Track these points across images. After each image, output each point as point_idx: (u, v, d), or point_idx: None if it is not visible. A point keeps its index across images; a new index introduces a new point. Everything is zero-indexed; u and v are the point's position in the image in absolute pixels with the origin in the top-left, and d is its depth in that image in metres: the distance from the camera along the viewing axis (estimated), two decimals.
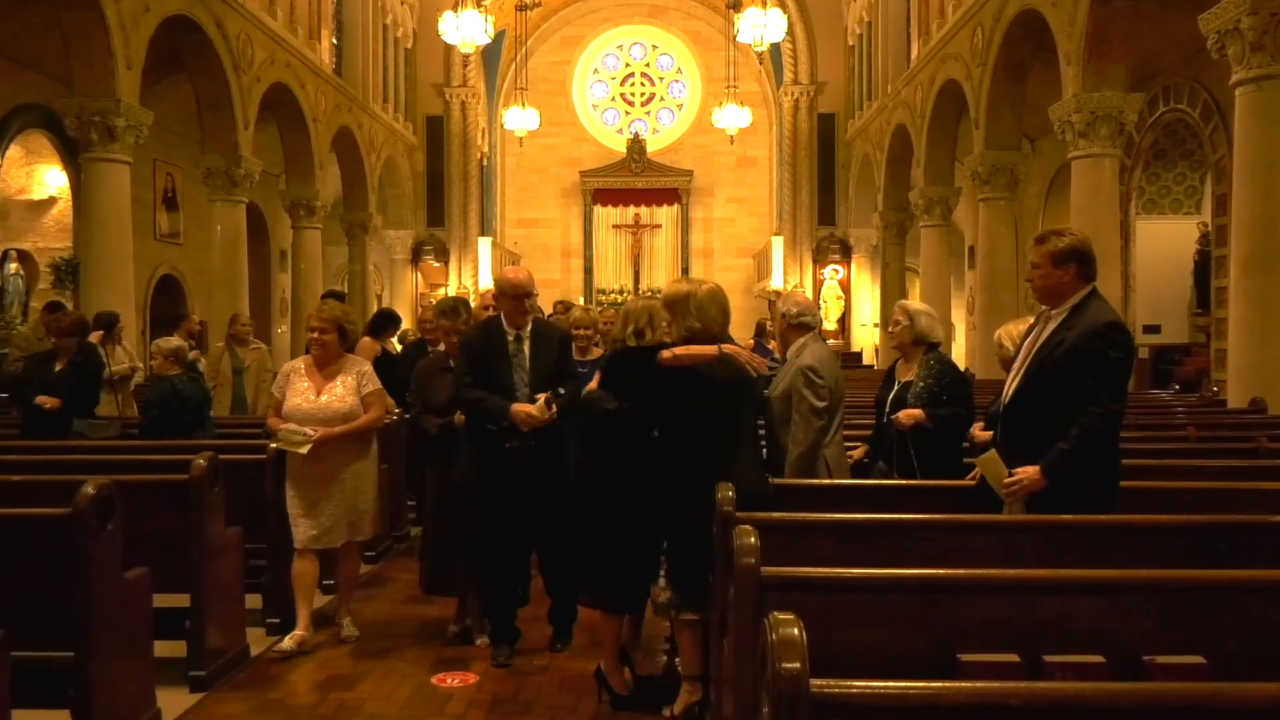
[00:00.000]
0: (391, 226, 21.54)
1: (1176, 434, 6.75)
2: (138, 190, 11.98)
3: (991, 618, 2.64)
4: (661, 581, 4.03)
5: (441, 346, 5.75)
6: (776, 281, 21.81)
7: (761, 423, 4.50)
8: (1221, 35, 8.25)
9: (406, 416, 6.93)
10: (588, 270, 25.90)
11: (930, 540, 3.35)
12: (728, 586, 3.08)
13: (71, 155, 12.53)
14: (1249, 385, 8.13)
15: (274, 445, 5.04)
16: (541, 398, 4.69)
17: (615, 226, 26.08)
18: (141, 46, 10.78)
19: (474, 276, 21.99)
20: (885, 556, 3.22)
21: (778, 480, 4.21)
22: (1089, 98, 10.30)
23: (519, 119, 21.11)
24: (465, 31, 15.11)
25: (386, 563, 7.10)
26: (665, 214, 25.97)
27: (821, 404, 4.45)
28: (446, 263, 22.33)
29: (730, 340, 4.01)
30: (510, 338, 4.89)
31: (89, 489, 3.71)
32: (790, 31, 20.00)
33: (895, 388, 4.81)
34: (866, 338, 21.64)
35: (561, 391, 4.77)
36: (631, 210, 25.88)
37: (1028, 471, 3.48)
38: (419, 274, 22.20)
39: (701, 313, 3.89)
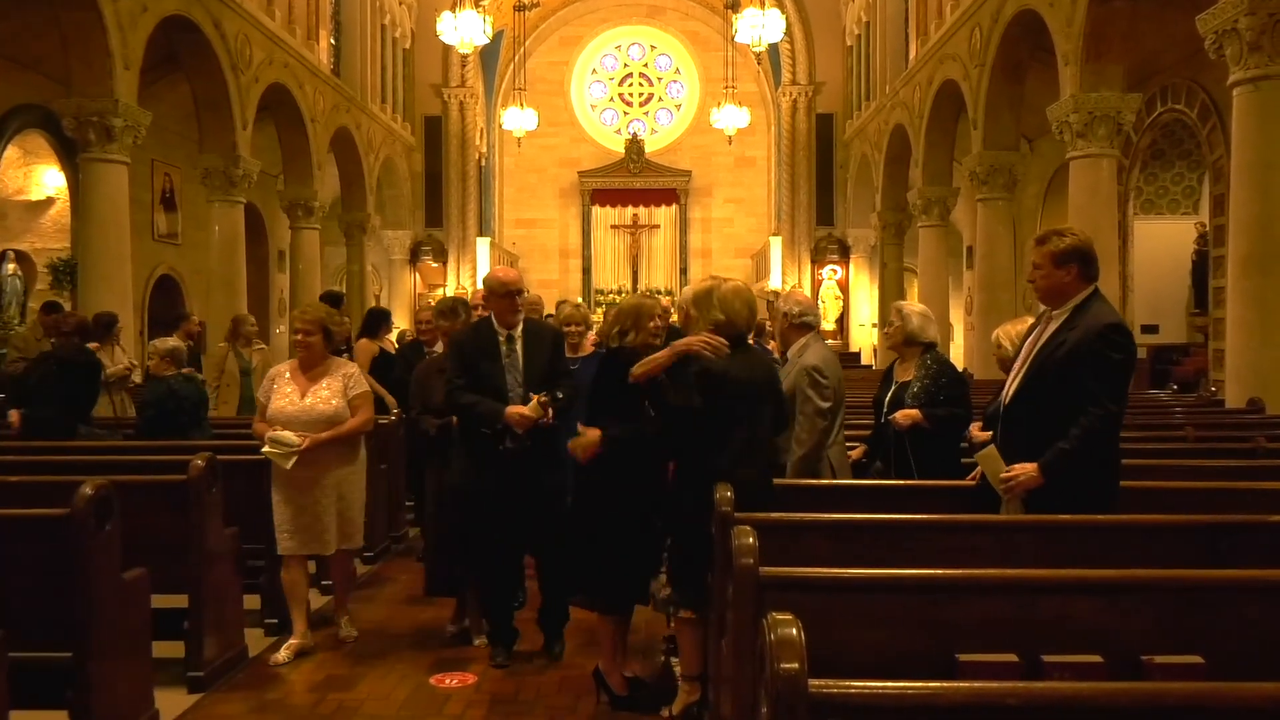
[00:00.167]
0: (390, 227, 21.54)
1: (1175, 434, 6.75)
2: (135, 190, 11.97)
3: (990, 618, 2.64)
4: (662, 578, 4.03)
5: (440, 347, 5.75)
6: (775, 282, 21.81)
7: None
8: (1219, 35, 8.25)
9: (405, 417, 6.93)
10: (586, 271, 25.91)
11: (929, 540, 3.35)
12: (726, 586, 3.08)
13: (69, 155, 12.52)
14: (1247, 385, 8.14)
15: (264, 451, 4.91)
16: (536, 399, 4.65)
17: (613, 227, 26.10)
18: (139, 47, 10.77)
19: (472, 277, 21.98)
20: (884, 556, 3.22)
21: (780, 481, 4.21)
22: (1087, 98, 10.31)
23: (517, 119, 21.11)
24: (463, 32, 15.12)
25: (385, 563, 7.10)
26: (663, 214, 25.98)
27: (826, 404, 4.47)
28: (445, 263, 22.34)
29: (749, 335, 4.03)
30: (501, 338, 4.83)
31: (87, 489, 3.71)
32: (788, 32, 20.02)
33: (893, 388, 4.81)
34: (865, 338, 21.65)
35: (560, 396, 4.72)
36: (630, 210, 25.90)
37: (1025, 468, 3.48)
38: (417, 274, 22.20)
39: (725, 305, 3.87)
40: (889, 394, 4.79)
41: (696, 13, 25.80)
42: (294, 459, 4.79)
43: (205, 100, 13.08)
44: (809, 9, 21.70)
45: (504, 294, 4.84)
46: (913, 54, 16.87)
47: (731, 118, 21.75)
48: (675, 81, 27.14)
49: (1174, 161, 14.77)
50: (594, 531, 4.25)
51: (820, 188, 22.24)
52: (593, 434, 4.09)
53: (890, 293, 18.43)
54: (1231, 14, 8.04)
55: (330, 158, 17.63)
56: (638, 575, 4.23)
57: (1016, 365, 3.71)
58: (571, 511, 4.50)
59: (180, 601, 4.52)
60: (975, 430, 4.60)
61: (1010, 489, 3.54)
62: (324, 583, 5.94)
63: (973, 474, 3.98)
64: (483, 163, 23.65)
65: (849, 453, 4.95)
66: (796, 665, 1.91)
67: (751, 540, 2.80)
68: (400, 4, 21.06)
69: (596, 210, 26.00)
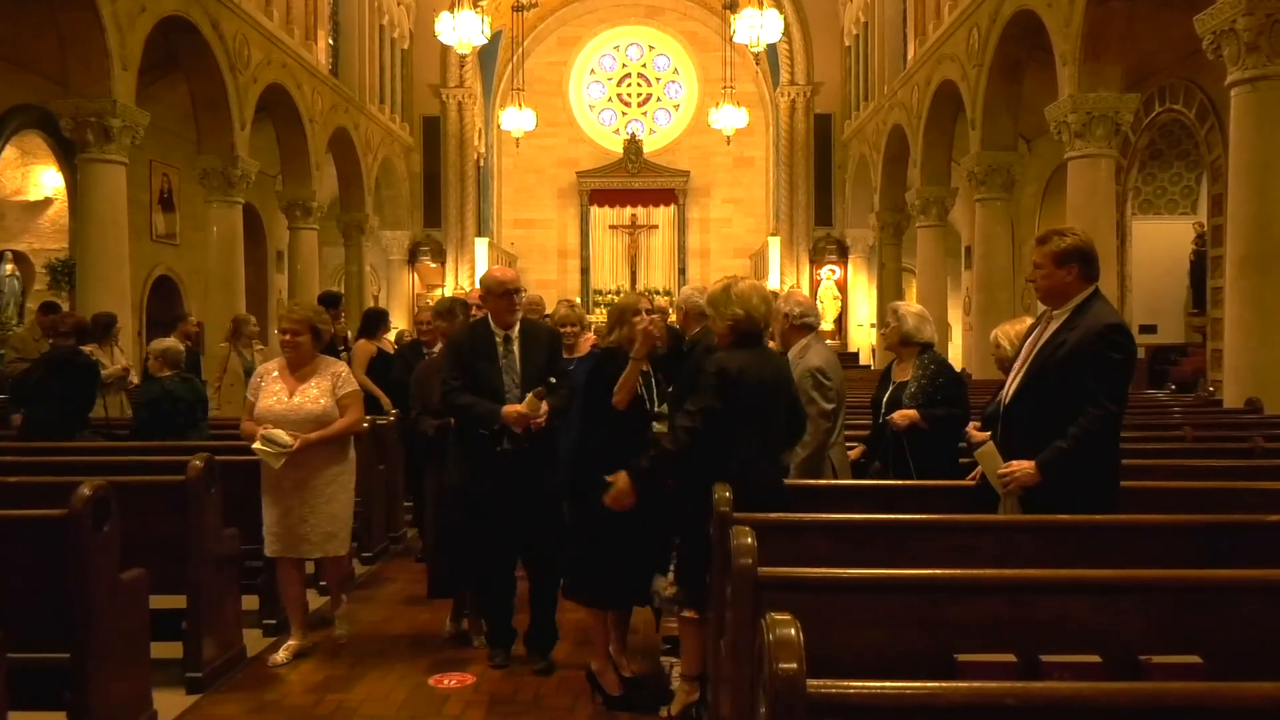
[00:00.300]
0: (388, 227, 21.53)
1: (1173, 434, 6.76)
2: (134, 191, 11.95)
3: (989, 618, 2.64)
4: (670, 576, 4.02)
5: (439, 347, 5.74)
6: (773, 282, 21.82)
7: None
8: (1217, 36, 8.26)
9: (403, 417, 6.91)
10: (584, 271, 25.90)
11: (928, 540, 3.35)
12: (725, 586, 3.08)
13: (67, 156, 12.51)
14: (1245, 385, 8.14)
15: (255, 448, 4.76)
16: (530, 395, 4.60)
17: (612, 227, 26.09)
18: (137, 47, 10.76)
19: (471, 277, 21.96)
20: (883, 556, 3.22)
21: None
22: (1085, 98, 10.31)
23: (516, 120, 21.11)
24: (462, 32, 15.12)
25: (384, 564, 7.10)
26: (662, 214, 25.98)
27: (830, 406, 4.48)
28: (443, 263, 22.33)
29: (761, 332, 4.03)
30: (499, 339, 4.79)
31: (85, 490, 3.70)
32: (787, 32, 20.02)
33: (890, 388, 4.81)
34: (863, 338, 21.66)
35: (553, 380, 4.65)
36: (628, 211, 25.89)
37: (1022, 465, 3.49)
38: (415, 275, 22.19)
39: (743, 301, 3.86)
40: (887, 394, 4.79)
41: (695, 13, 25.81)
42: (282, 460, 4.72)
43: (203, 100, 13.07)
44: (807, 9, 21.71)
45: (501, 293, 4.79)
46: (911, 54, 16.87)
47: (730, 118, 21.76)
48: (674, 82, 27.15)
49: (1172, 162, 14.78)
50: (594, 531, 4.24)
51: (818, 188, 22.24)
52: (621, 479, 3.96)
53: (888, 293, 18.45)
54: (1229, 14, 8.04)
55: (328, 158, 17.62)
56: (636, 574, 4.24)
57: (1017, 365, 3.71)
58: (570, 510, 4.49)
59: (179, 602, 4.52)
60: (973, 430, 4.60)
61: (1007, 486, 3.55)
62: (321, 583, 5.93)
63: (973, 474, 3.99)
64: (481, 163, 23.65)
65: (848, 453, 4.96)
66: (795, 665, 1.91)
67: (750, 540, 2.80)
68: (399, 4, 21.05)
69: (595, 210, 26.00)
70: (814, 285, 21.92)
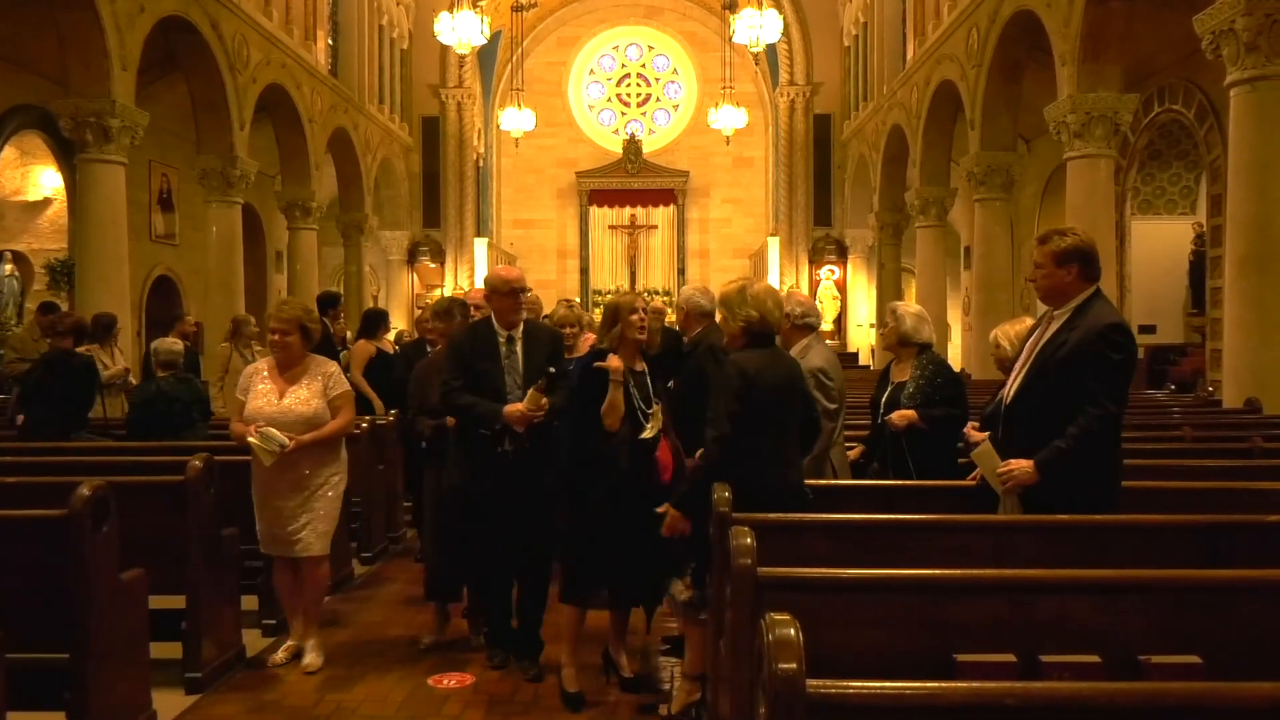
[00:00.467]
0: (387, 227, 21.52)
1: (1172, 434, 6.76)
2: (133, 191, 11.96)
3: (988, 618, 2.64)
4: (687, 579, 4.02)
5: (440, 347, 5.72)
6: (773, 282, 21.83)
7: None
8: (1216, 36, 8.26)
9: (403, 417, 6.91)
10: (584, 271, 25.90)
11: (928, 540, 3.35)
12: (725, 586, 3.08)
13: (67, 156, 12.52)
14: (1244, 385, 8.15)
15: (250, 441, 4.66)
16: (531, 390, 4.54)
17: (611, 227, 26.09)
18: (137, 47, 10.76)
19: (470, 277, 21.96)
20: (883, 557, 3.22)
21: None
22: (1084, 98, 10.32)
23: (515, 120, 21.10)
24: (461, 32, 15.12)
25: (383, 564, 7.10)
26: (661, 215, 25.98)
27: (833, 406, 4.48)
28: (442, 264, 22.32)
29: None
30: (502, 339, 4.73)
31: (85, 490, 3.70)
32: (786, 32, 20.02)
33: (889, 389, 4.81)
34: (862, 338, 21.66)
35: (552, 370, 4.57)
36: (628, 211, 25.89)
37: (1021, 464, 3.49)
38: (415, 275, 22.19)
39: (758, 303, 3.86)
40: (885, 395, 4.79)
41: (694, 13, 25.81)
42: (273, 459, 4.64)
43: (203, 101, 13.07)
44: (806, 10, 21.71)
45: (507, 292, 4.72)
46: (910, 54, 16.87)
47: (729, 118, 21.76)
48: (673, 82, 27.15)
49: (1171, 162, 14.80)
50: (592, 530, 4.24)
51: (818, 188, 22.25)
52: (669, 510, 3.91)
53: (888, 293, 18.45)
54: (1228, 14, 8.05)
55: (328, 158, 17.62)
56: (636, 574, 4.24)
57: (1018, 365, 3.71)
58: (569, 510, 4.46)
59: (178, 602, 4.51)
60: (972, 431, 4.60)
61: (1006, 485, 3.55)
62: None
63: (973, 474, 3.99)
64: (480, 163, 23.64)
65: (847, 453, 4.96)
66: (794, 665, 1.91)
67: (749, 540, 2.80)
68: (398, 4, 21.04)
69: (594, 211, 25.99)
70: (813, 285, 21.93)
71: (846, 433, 5.14)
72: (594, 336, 5.89)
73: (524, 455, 4.62)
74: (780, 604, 2.30)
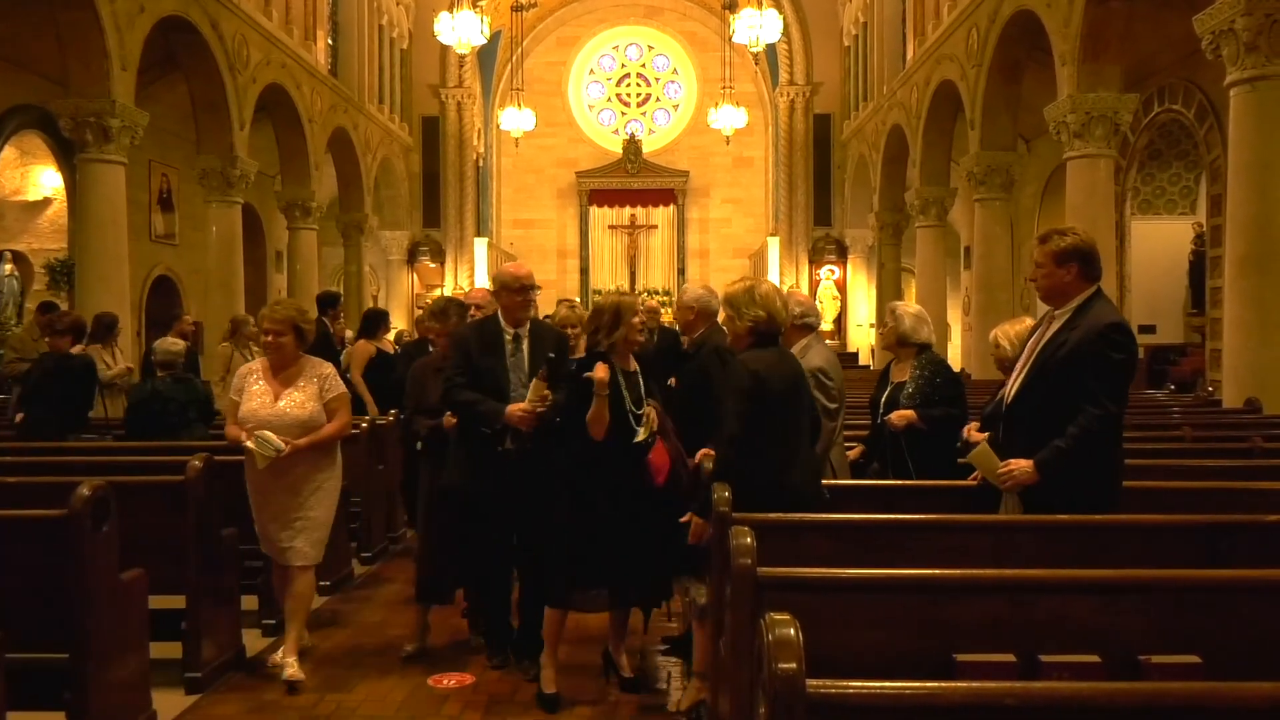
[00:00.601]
0: (387, 227, 21.52)
1: (1172, 434, 6.76)
2: (133, 191, 11.96)
3: (988, 618, 2.64)
4: (708, 580, 4.02)
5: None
6: (773, 282, 21.81)
7: None
8: (1216, 36, 8.26)
9: (401, 417, 6.90)
10: (584, 271, 25.91)
11: (928, 540, 3.35)
12: (725, 586, 3.08)
13: (66, 156, 12.52)
14: (1244, 385, 8.15)
15: (247, 444, 4.57)
16: (534, 382, 4.46)
17: (611, 227, 26.10)
18: (136, 47, 10.76)
19: (470, 277, 21.97)
20: (883, 557, 3.22)
21: None
22: (1084, 98, 10.32)
23: (515, 120, 21.11)
24: (461, 32, 15.13)
25: (383, 564, 7.10)
26: (661, 215, 25.99)
27: (833, 405, 4.49)
28: (442, 263, 22.32)
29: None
30: (508, 336, 4.69)
31: (84, 490, 3.70)
32: (786, 32, 20.02)
33: (889, 389, 4.81)
34: (862, 338, 21.67)
35: (552, 355, 4.51)
36: (628, 211, 25.90)
37: (1020, 463, 3.49)
38: (415, 275, 22.19)
39: (766, 303, 3.86)
40: (885, 394, 4.79)
41: (694, 13, 25.80)
42: (267, 462, 4.53)
43: (203, 101, 13.07)
44: (806, 9, 21.71)
45: (517, 289, 4.67)
46: (910, 54, 16.87)
47: (729, 118, 21.76)
48: (673, 82, 27.15)
49: (1171, 162, 14.80)
50: (592, 530, 4.23)
51: (818, 188, 22.25)
52: (692, 519, 3.88)
53: (888, 293, 18.45)
54: (1228, 14, 8.04)
55: (328, 158, 17.62)
56: (636, 573, 4.24)
57: (1019, 365, 3.71)
58: (568, 510, 4.44)
59: (178, 602, 4.51)
60: (973, 432, 4.60)
61: (1006, 485, 3.55)
62: (322, 583, 5.93)
63: (974, 474, 3.99)
64: (480, 163, 23.65)
65: (847, 453, 4.96)
66: (794, 665, 1.91)
67: (749, 540, 2.80)
68: (398, 4, 21.04)
69: (594, 210, 26.00)
70: (813, 285, 21.93)
71: (846, 433, 5.14)
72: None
73: (525, 455, 4.57)
74: (780, 604, 2.30)
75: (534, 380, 4.48)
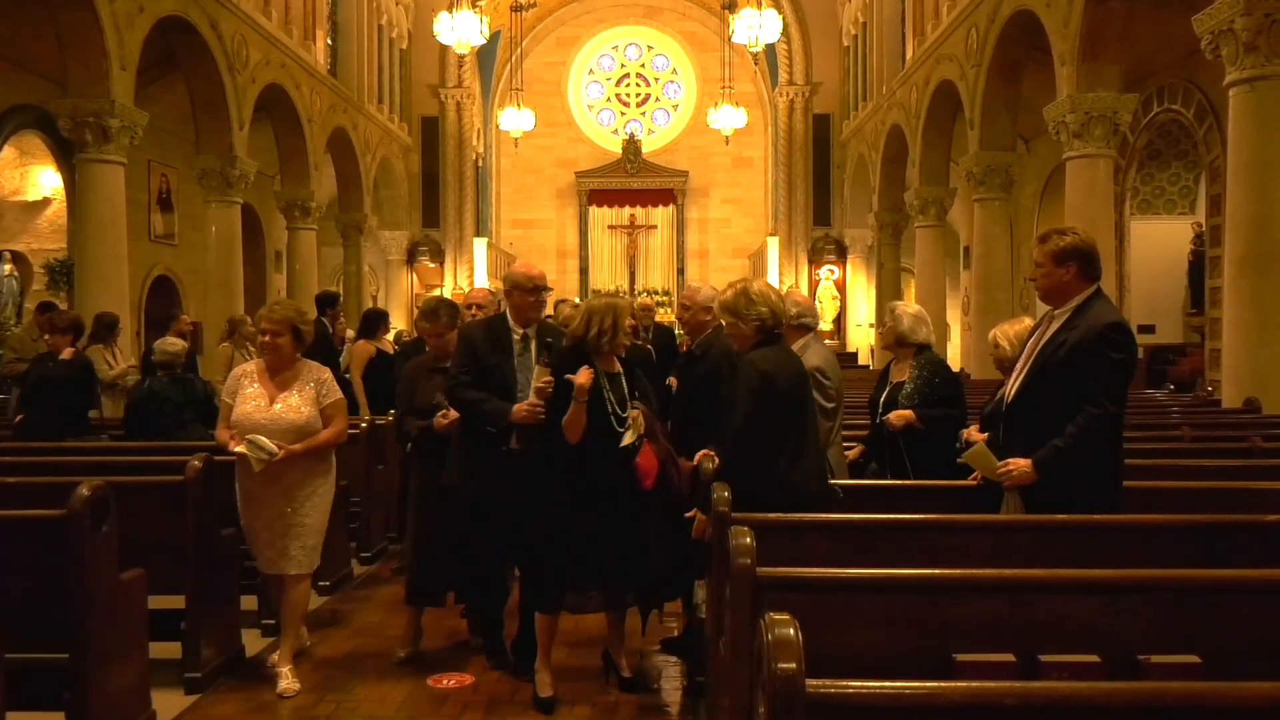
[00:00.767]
0: (387, 227, 21.52)
1: (1171, 434, 6.76)
2: (132, 191, 11.95)
3: (988, 618, 2.64)
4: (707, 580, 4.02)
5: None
6: (772, 282, 21.80)
7: None
8: (1215, 36, 8.27)
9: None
10: (583, 271, 25.91)
11: (927, 540, 3.36)
12: (724, 586, 3.08)
13: (66, 156, 12.51)
14: (1244, 385, 8.15)
15: (239, 449, 4.46)
16: (537, 368, 4.41)
17: (611, 227, 26.10)
18: (136, 47, 10.76)
19: (469, 277, 21.97)
20: (882, 557, 3.22)
21: None
22: (1083, 98, 10.32)
23: (514, 120, 21.11)
24: (460, 32, 15.13)
25: (383, 564, 7.09)
26: (661, 214, 26.00)
27: (830, 405, 4.49)
28: (442, 263, 22.32)
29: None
30: (517, 336, 4.65)
31: (84, 490, 3.70)
32: (785, 32, 20.02)
33: (888, 388, 4.81)
34: (862, 338, 21.67)
35: (550, 340, 4.47)
36: (627, 211, 25.91)
37: (1019, 463, 3.49)
38: (414, 275, 22.18)
39: (765, 299, 3.86)
40: (884, 394, 4.80)
41: (693, 13, 25.81)
42: (262, 465, 4.42)
43: (202, 101, 13.07)
44: (806, 9, 21.71)
45: (530, 289, 4.63)
46: (909, 54, 16.88)
47: (728, 118, 21.77)
48: (672, 82, 27.16)
49: (1170, 162, 14.80)
50: (592, 529, 4.22)
51: (817, 188, 22.25)
52: (697, 515, 3.88)
53: (887, 293, 18.46)
54: (1228, 14, 8.05)
55: (327, 158, 17.61)
56: (634, 571, 4.25)
57: (1019, 365, 3.71)
58: (544, 513, 4.35)
59: (177, 602, 4.51)
60: (974, 432, 4.60)
61: (1005, 485, 3.55)
62: (322, 583, 5.93)
63: (974, 474, 3.99)
64: (480, 163, 23.65)
65: (846, 453, 4.96)
66: (794, 665, 1.90)
67: (749, 540, 2.80)
68: (397, 4, 21.04)
69: (594, 210, 26.01)
70: (813, 285, 21.94)
71: (846, 432, 5.14)
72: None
73: (529, 454, 4.51)
74: (780, 604, 2.30)
75: (538, 367, 4.44)
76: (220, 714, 4.32)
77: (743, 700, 2.72)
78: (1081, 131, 10.43)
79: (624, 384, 4.32)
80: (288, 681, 4.53)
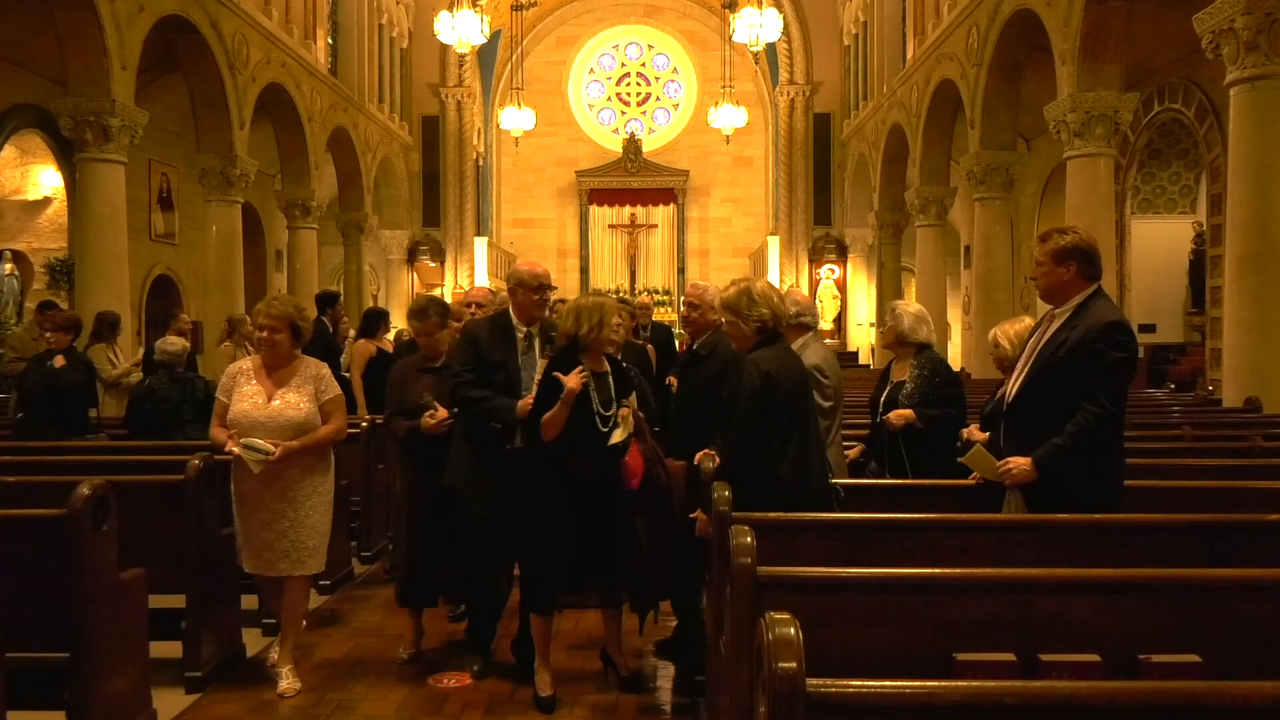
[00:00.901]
0: (387, 227, 21.53)
1: (1172, 433, 6.76)
2: (133, 190, 11.95)
3: (988, 617, 2.64)
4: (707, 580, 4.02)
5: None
6: (773, 282, 21.80)
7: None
8: (1216, 35, 8.26)
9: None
10: (584, 270, 25.91)
11: (927, 540, 3.35)
12: (724, 586, 3.07)
13: (66, 155, 12.51)
14: (1244, 384, 8.15)
15: (236, 450, 4.38)
16: (541, 362, 4.39)
17: (611, 226, 26.10)
18: (136, 46, 10.76)
19: (470, 276, 21.98)
20: (882, 556, 3.22)
21: None
22: (1084, 97, 10.32)
23: (515, 119, 21.11)
24: (461, 31, 15.13)
25: (382, 563, 7.08)
26: (661, 214, 25.99)
27: (829, 404, 4.49)
28: (442, 263, 22.33)
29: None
30: (521, 334, 4.63)
31: (84, 490, 3.70)
32: (786, 31, 20.02)
33: (888, 388, 4.81)
34: (862, 337, 21.67)
35: (552, 335, 4.46)
36: (627, 210, 25.90)
37: (1019, 462, 3.49)
38: (415, 274, 22.19)
39: (766, 300, 3.87)
40: (885, 394, 4.79)
41: (694, 12, 25.81)
42: (261, 467, 4.36)
43: (202, 100, 13.07)
44: (806, 9, 21.71)
45: (535, 287, 4.61)
46: (910, 53, 16.87)
47: (729, 117, 21.76)
48: (673, 81, 27.15)
49: (1171, 161, 14.80)
50: (546, 539, 4.22)
51: (818, 187, 22.25)
52: (700, 515, 3.90)
53: (888, 292, 18.46)
54: (1228, 14, 8.05)
55: (328, 157, 17.62)
56: (615, 576, 4.25)
57: (1019, 364, 3.71)
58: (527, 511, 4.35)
59: (178, 601, 4.51)
60: (974, 431, 4.60)
61: (1005, 482, 3.55)
62: (322, 582, 5.92)
63: (973, 475, 3.99)
64: (480, 162, 23.65)
65: (846, 452, 4.95)
66: (794, 665, 1.90)
67: (749, 540, 2.80)
68: (398, 3, 21.04)
69: (594, 210, 26.01)
70: (813, 285, 21.94)
71: (847, 432, 5.14)
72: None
73: (516, 454, 4.49)
74: (780, 603, 2.30)
75: (542, 361, 4.45)
76: (220, 714, 4.32)
77: (743, 700, 2.72)
78: (1082, 131, 10.43)
79: (610, 383, 4.31)
80: (288, 681, 4.52)
